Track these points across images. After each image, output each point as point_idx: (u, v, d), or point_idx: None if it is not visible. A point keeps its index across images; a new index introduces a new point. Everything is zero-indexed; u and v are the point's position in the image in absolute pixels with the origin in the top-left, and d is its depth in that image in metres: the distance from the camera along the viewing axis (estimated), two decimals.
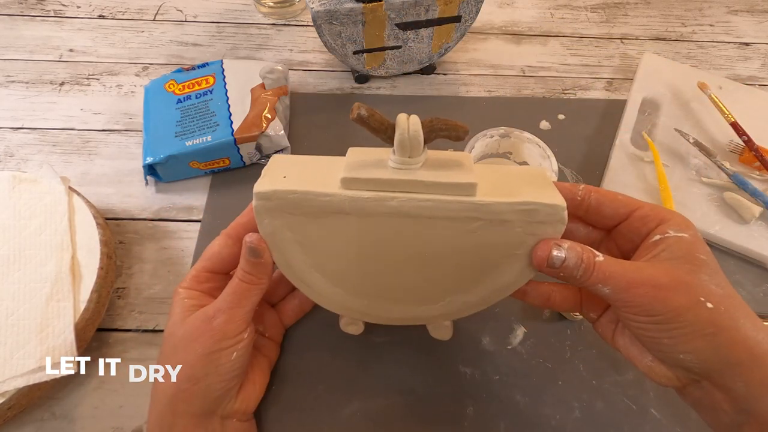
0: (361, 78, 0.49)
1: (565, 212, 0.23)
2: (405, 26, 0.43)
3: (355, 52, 0.45)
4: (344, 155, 0.26)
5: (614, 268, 0.23)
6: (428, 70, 0.50)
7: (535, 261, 0.25)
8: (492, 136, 0.39)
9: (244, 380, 0.28)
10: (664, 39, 0.56)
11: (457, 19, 0.44)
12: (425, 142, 0.23)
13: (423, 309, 0.29)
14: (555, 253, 0.23)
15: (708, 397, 0.22)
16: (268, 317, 0.32)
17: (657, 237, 0.24)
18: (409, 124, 0.23)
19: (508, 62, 0.52)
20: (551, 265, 0.24)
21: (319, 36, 0.43)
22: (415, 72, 0.50)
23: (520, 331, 0.34)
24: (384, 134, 0.23)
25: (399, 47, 0.45)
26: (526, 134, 0.39)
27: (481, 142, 0.39)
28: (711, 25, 0.58)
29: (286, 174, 0.25)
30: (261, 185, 0.24)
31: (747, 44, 0.56)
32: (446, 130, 0.23)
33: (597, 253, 0.23)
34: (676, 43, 0.55)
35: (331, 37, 0.43)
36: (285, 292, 0.34)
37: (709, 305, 0.21)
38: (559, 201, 0.23)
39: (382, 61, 0.47)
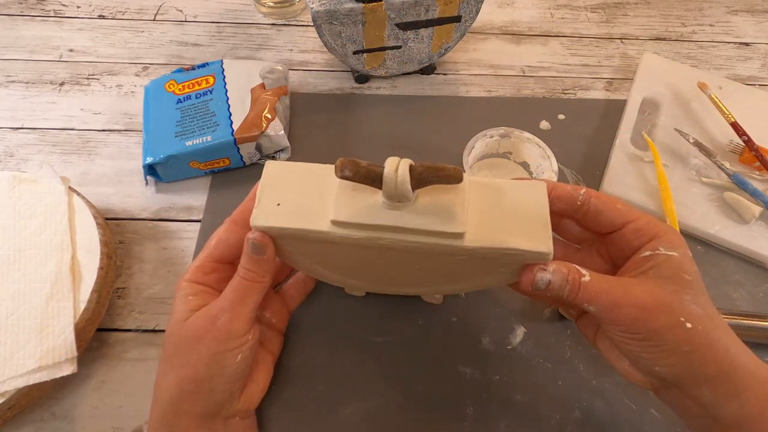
0: (361, 78, 0.49)
1: (551, 256, 0.24)
2: (405, 26, 0.43)
3: (355, 52, 0.45)
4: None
5: (600, 287, 0.24)
6: (428, 70, 0.50)
7: (522, 285, 0.25)
8: (492, 136, 0.39)
9: (247, 380, 0.28)
10: (664, 39, 0.56)
11: (457, 19, 0.44)
12: (416, 189, 0.23)
13: (417, 289, 0.32)
14: (539, 276, 0.24)
15: (679, 401, 0.25)
16: (272, 302, 0.32)
17: (647, 253, 0.24)
18: (396, 177, 0.22)
19: (508, 62, 0.52)
20: (536, 288, 0.24)
21: (319, 36, 0.43)
22: (415, 72, 0.50)
23: (520, 331, 0.34)
24: (373, 184, 0.23)
25: (399, 47, 0.45)
26: (526, 134, 0.39)
27: (481, 142, 0.39)
28: (711, 25, 0.58)
29: (280, 200, 0.25)
30: (257, 218, 0.25)
31: (747, 44, 0.56)
32: (438, 179, 0.22)
33: (583, 272, 0.24)
34: (676, 43, 0.55)
35: (331, 37, 0.43)
36: (287, 275, 0.34)
37: (689, 325, 0.22)
38: (546, 247, 0.24)
39: (382, 61, 0.47)
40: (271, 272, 0.27)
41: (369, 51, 0.45)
